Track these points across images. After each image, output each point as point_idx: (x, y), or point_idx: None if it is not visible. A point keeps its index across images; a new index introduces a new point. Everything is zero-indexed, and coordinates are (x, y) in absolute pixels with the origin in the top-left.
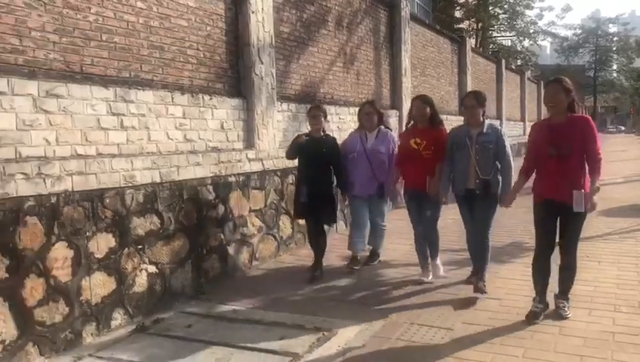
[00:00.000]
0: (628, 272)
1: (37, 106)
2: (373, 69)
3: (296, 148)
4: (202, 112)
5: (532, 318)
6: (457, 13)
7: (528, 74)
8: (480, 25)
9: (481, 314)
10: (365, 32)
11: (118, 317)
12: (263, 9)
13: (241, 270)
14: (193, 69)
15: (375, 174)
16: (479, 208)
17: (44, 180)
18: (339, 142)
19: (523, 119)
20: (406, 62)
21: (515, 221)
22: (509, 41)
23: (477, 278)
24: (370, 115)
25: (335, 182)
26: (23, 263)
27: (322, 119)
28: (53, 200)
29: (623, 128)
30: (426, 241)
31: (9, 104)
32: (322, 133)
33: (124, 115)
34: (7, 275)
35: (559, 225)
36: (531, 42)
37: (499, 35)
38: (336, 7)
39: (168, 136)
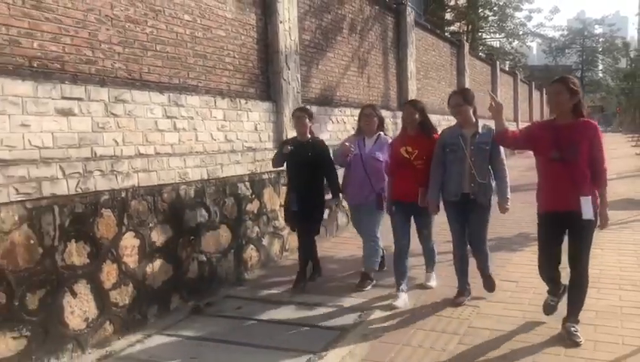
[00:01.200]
0: (628, 257)
1: (108, 111)
2: (382, 73)
3: (281, 157)
4: (239, 115)
5: (550, 311)
6: (448, 16)
7: (521, 75)
8: (470, 27)
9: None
10: (375, 38)
11: (175, 301)
12: (289, 19)
13: (274, 260)
14: (230, 75)
15: (371, 182)
16: (475, 215)
17: (116, 176)
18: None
19: (516, 119)
20: (411, 65)
21: (520, 214)
22: (498, 42)
23: (485, 281)
24: (371, 118)
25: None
26: (101, 250)
27: (307, 121)
28: (123, 194)
29: (608, 128)
30: (405, 260)
31: (86, 109)
32: (309, 137)
33: (176, 117)
34: (88, 261)
35: (568, 238)
36: (520, 44)
37: (489, 36)
38: (350, 15)
39: (212, 137)
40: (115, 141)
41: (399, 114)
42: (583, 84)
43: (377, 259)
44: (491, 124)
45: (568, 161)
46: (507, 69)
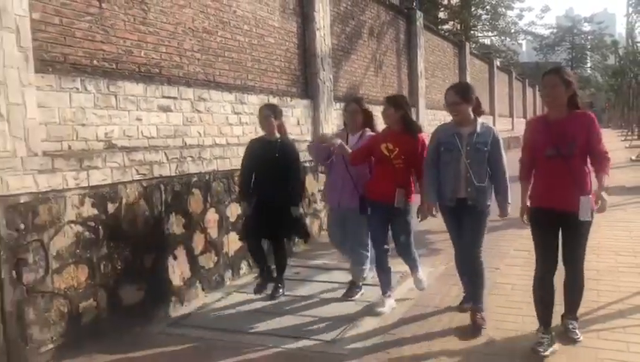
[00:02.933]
0: (622, 231)
1: (193, 108)
2: (396, 72)
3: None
4: (286, 111)
5: (537, 351)
6: (442, 14)
7: (515, 73)
8: (462, 26)
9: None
10: (389, 41)
11: (244, 267)
12: (324, 26)
13: (314, 237)
14: (278, 77)
15: (356, 185)
16: (468, 222)
17: (202, 162)
18: None
19: (511, 115)
20: (420, 65)
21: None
22: (490, 40)
23: (473, 308)
24: (355, 114)
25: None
26: (192, 222)
27: (272, 119)
28: (207, 177)
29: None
30: (386, 266)
31: (179, 106)
32: (278, 136)
33: (241, 113)
34: (183, 230)
35: (562, 237)
36: (512, 42)
37: (481, 34)
38: (369, 20)
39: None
40: (199, 133)
41: (413, 110)
42: None
43: (364, 267)
44: (490, 123)
45: (566, 157)
46: (503, 67)
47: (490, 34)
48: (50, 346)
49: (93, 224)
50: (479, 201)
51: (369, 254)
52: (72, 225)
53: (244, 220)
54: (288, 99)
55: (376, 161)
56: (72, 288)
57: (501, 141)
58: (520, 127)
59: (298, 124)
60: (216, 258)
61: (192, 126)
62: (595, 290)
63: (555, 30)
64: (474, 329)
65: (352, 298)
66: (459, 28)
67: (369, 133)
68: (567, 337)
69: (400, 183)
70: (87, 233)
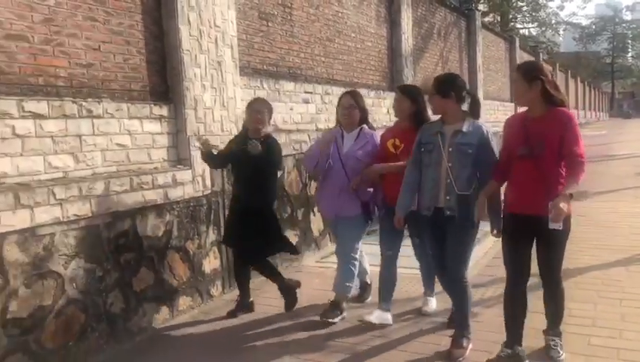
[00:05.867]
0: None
1: (322, 100)
2: (458, 67)
3: (223, 156)
4: (379, 102)
5: None
6: (482, 7)
7: (557, 65)
8: (502, 18)
9: None
10: (453, 39)
11: None
12: (407, 30)
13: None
14: (373, 74)
15: (357, 192)
16: (449, 236)
17: None
18: None
19: None
20: (479, 60)
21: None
22: (528, 31)
23: (454, 336)
24: (350, 109)
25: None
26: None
27: (265, 116)
28: None
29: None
30: (390, 274)
31: (313, 99)
32: (262, 135)
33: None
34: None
35: (536, 246)
36: (553, 33)
37: (521, 26)
38: (438, 22)
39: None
40: (325, 119)
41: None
42: (613, 70)
43: (351, 284)
44: (482, 122)
45: (537, 158)
46: (546, 60)
47: (530, 25)
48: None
49: None
50: (461, 212)
51: (357, 270)
52: None
53: (225, 225)
54: (381, 92)
55: (383, 161)
56: None
57: (494, 142)
58: None
59: (388, 113)
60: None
61: (321, 114)
62: (607, 246)
63: (595, 19)
64: (450, 358)
65: (331, 320)
66: (499, 20)
67: (367, 130)
68: (548, 356)
69: None
70: None
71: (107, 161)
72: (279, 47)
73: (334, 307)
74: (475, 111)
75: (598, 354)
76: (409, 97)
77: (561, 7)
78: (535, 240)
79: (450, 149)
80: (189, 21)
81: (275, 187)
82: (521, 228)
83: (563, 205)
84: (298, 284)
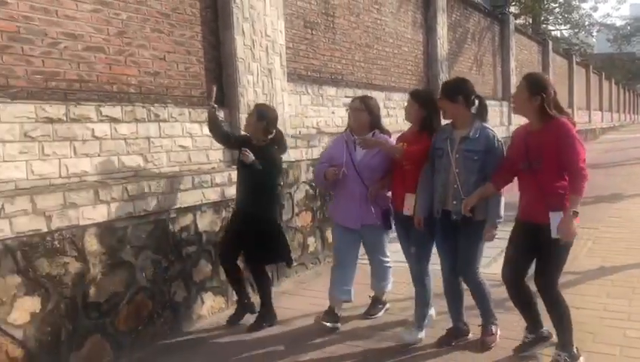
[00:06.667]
0: None
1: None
2: (492, 70)
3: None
4: None
5: (519, 351)
6: (513, 9)
7: (591, 66)
8: (534, 20)
9: None
10: (487, 43)
11: None
12: (442, 35)
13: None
14: (409, 78)
15: (375, 198)
16: (460, 239)
17: None
18: None
19: (588, 108)
20: (512, 64)
21: (606, 183)
22: (560, 32)
23: (483, 326)
24: (358, 112)
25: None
26: None
27: (254, 119)
28: None
29: None
30: (423, 287)
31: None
32: (263, 140)
33: (388, 108)
34: None
35: (537, 258)
36: (586, 34)
37: (553, 28)
38: (472, 27)
39: (401, 121)
40: None
41: (505, 103)
42: None
43: (386, 287)
44: (490, 128)
45: (536, 171)
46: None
47: (562, 27)
48: (293, 264)
49: (313, 184)
50: (466, 216)
51: (390, 265)
52: (304, 184)
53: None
54: None
55: (393, 168)
56: (304, 227)
57: (502, 148)
58: (596, 118)
59: None
60: None
61: None
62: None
63: (630, 20)
64: (482, 346)
65: (375, 315)
66: (530, 22)
67: (380, 135)
68: None
69: (410, 188)
70: (310, 190)
71: (171, 161)
72: (322, 53)
73: (376, 303)
74: (482, 114)
75: (634, 345)
76: (418, 102)
77: (595, 9)
78: (538, 252)
79: (457, 156)
80: (243, 31)
81: (276, 196)
82: (525, 234)
83: (570, 225)
84: (275, 317)
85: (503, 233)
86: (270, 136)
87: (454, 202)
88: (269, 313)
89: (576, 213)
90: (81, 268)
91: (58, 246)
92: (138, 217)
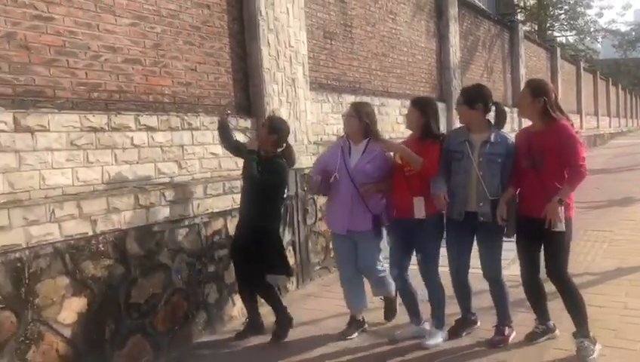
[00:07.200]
0: None
1: (379, 111)
2: (502, 77)
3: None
4: None
5: (530, 339)
6: (518, 16)
7: (598, 73)
8: (539, 26)
9: None
10: (497, 50)
11: None
12: (455, 43)
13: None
14: (423, 86)
15: (366, 204)
16: (482, 240)
17: None
18: None
19: (596, 113)
20: (522, 70)
21: (619, 186)
22: (565, 39)
23: (497, 326)
24: (349, 118)
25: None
26: None
27: (263, 131)
28: None
29: None
30: (408, 291)
31: None
32: (270, 150)
33: (403, 115)
34: None
35: (543, 249)
36: (592, 40)
37: (559, 34)
38: (482, 35)
39: None
40: (380, 129)
41: (515, 110)
42: None
43: (388, 288)
44: (505, 133)
45: (539, 170)
46: (587, 68)
47: (568, 33)
48: (317, 267)
49: None
50: (495, 217)
51: (386, 274)
52: None
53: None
54: None
55: (393, 173)
56: (327, 231)
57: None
58: (603, 123)
59: None
60: None
61: (378, 125)
62: None
63: (635, 26)
64: (489, 345)
65: (350, 336)
66: (536, 29)
67: (374, 142)
68: (578, 357)
69: (416, 192)
70: None
71: (203, 167)
72: (341, 63)
73: (388, 308)
74: (500, 121)
75: None
76: (419, 109)
77: (600, 15)
78: (543, 243)
79: (480, 159)
80: (268, 42)
81: (278, 208)
82: (529, 229)
83: (553, 210)
84: (291, 319)
85: None
86: (280, 150)
87: (481, 204)
88: (285, 318)
89: (562, 201)
90: (122, 270)
91: (102, 249)
92: (174, 221)
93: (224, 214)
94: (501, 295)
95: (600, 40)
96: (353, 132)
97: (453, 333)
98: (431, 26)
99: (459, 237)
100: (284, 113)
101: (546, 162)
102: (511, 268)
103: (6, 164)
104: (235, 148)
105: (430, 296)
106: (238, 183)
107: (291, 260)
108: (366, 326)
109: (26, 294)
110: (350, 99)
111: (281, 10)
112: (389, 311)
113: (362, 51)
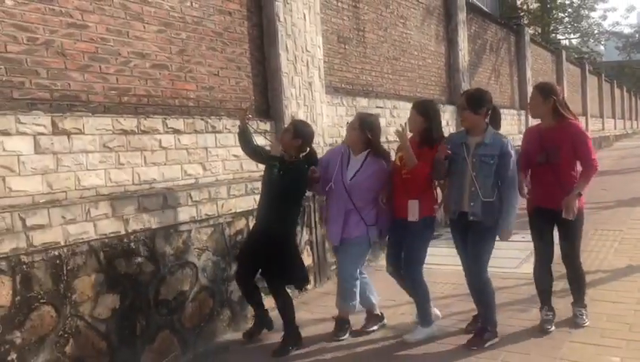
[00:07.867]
0: None
1: (391, 114)
2: (509, 80)
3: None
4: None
5: (544, 327)
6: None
7: (603, 75)
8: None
9: None
10: (504, 54)
11: None
12: (464, 47)
13: None
14: (433, 88)
15: (361, 215)
16: (471, 239)
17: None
18: None
19: (601, 115)
20: (528, 73)
21: (623, 188)
22: (569, 41)
23: (478, 329)
24: (349, 129)
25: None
26: None
27: (288, 136)
28: None
29: None
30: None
31: (384, 113)
32: (293, 155)
33: None
34: None
35: (558, 238)
36: (596, 43)
37: (563, 37)
38: (489, 38)
39: None
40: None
41: (522, 112)
42: None
43: (354, 303)
44: (503, 135)
45: (553, 164)
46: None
47: (572, 36)
48: (334, 266)
49: None
50: (484, 218)
51: (358, 289)
52: None
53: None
54: (440, 105)
55: (392, 177)
56: None
57: (513, 155)
58: (608, 125)
59: (447, 124)
60: None
61: (390, 127)
62: None
63: (638, 28)
64: (466, 345)
65: (341, 338)
66: (539, 32)
67: (375, 158)
68: (575, 322)
69: (411, 194)
70: None
71: (226, 169)
72: (354, 66)
73: (340, 325)
74: (495, 122)
75: None
76: (421, 114)
77: (604, 17)
78: (557, 231)
79: (473, 160)
80: (286, 47)
81: (296, 213)
82: (543, 219)
83: (573, 202)
84: (300, 338)
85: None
86: (303, 154)
87: (472, 203)
88: (295, 335)
89: (580, 194)
90: (152, 268)
91: (133, 247)
92: (199, 221)
93: (246, 214)
94: (484, 293)
95: (604, 42)
96: (354, 143)
97: (472, 328)
98: (440, 30)
99: (459, 238)
100: (301, 116)
101: (561, 155)
102: (523, 266)
103: (45, 166)
104: (255, 153)
105: (413, 295)
106: (259, 184)
107: (309, 259)
108: (385, 320)
109: (65, 290)
110: (364, 102)
111: (298, 15)
112: (339, 328)
113: (374, 55)
